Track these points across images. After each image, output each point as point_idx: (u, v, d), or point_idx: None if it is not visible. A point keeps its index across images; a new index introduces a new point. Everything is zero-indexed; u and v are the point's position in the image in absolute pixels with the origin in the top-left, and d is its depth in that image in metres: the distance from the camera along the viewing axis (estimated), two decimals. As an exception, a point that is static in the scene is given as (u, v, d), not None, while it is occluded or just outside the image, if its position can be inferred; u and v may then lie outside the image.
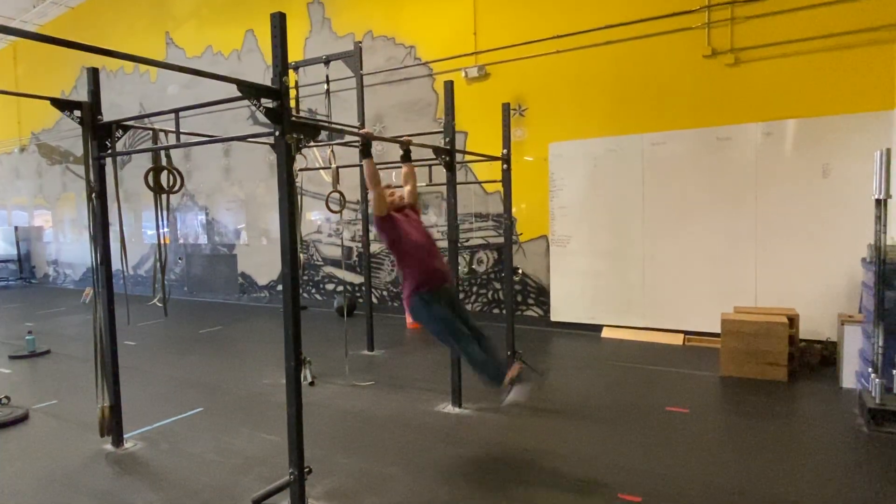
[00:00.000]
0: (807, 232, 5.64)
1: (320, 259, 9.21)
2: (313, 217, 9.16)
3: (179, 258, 11.11)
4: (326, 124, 4.43)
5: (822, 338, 5.45)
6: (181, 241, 11.08)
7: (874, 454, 3.43)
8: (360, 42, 6.58)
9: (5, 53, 13.83)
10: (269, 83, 2.74)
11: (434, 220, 8.00)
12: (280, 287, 9.50)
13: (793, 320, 5.08)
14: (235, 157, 10.06)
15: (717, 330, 5.25)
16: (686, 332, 6.26)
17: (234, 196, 10.19)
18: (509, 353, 5.29)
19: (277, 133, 2.76)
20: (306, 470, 2.85)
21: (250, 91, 2.70)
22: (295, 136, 2.80)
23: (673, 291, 6.33)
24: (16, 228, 13.99)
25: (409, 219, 3.76)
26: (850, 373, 4.64)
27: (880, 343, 3.84)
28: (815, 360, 5.35)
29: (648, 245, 6.46)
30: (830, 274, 5.52)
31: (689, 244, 6.21)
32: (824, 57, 5.58)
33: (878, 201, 3.80)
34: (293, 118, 2.79)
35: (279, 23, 2.73)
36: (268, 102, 2.73)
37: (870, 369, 3.95)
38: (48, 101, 3.44)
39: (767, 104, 5.82)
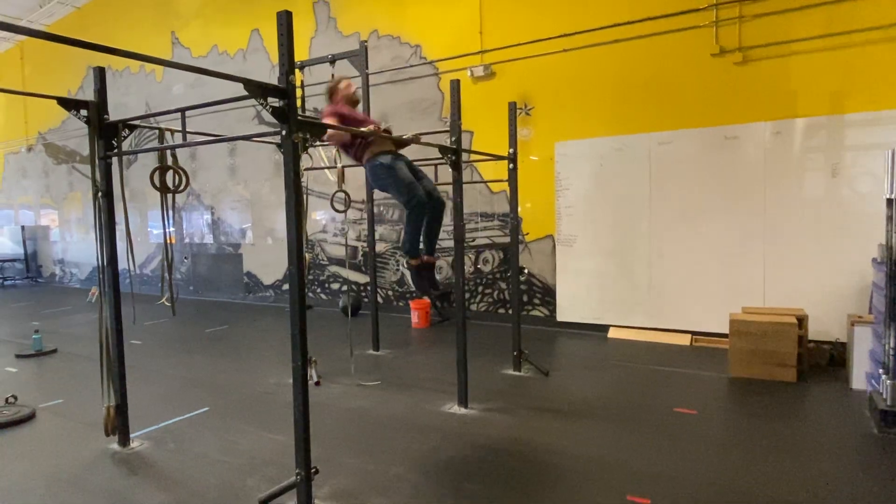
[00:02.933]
0: (816, 231, 5.60)
1: (325, 258, 9.21)
2: (318, 216, 9.16)
3: (185, 257, 11.13)
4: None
5: (832, 338, 5.41)
6: (187, 240, 11.10)
7: (884, 456, 3.40)
8: (366, 41, 6.58)
9: (12, 53, 13.90)
10: (275, 82, 2.73)
11: (439, 219, 7.97)
12: (285, 286, 9.51)
13: (802, 321, 5.03)
14: (241, 156, 10.08)
15: (725, 330, 5.22)
16: (693, 333, 6.22)
17: (240, 195, 10.21)
18: (515, 352, 5.27)
19: (284, 132, 2.75)
20: (313, 470, 2.84)
21: (257, 90, 2.69)
22: (301, 135, 2.79)
23: (680, 291, 6.29)
24: (22, 228, 14.07)
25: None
26: (860, 374, 4.59)
27: (891, 344, 3.79)
28: (825, 361, 5.32)
29: (655, 245, 6.42)
30: (840, 274, 5.47)
31: (697, 244, 6.17)
32: (834, 55, 5.53)
33: (889, 201, 3.76)
34: (300, 117, 2.79)
35: (286, 21, 2.71)
36: (275, 101, 2.71)
37: (880, 370, 3.92)
38: (55, 101, 3.44)
39: (776, 103, 5.78)
